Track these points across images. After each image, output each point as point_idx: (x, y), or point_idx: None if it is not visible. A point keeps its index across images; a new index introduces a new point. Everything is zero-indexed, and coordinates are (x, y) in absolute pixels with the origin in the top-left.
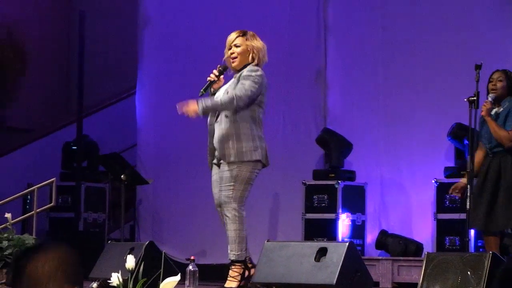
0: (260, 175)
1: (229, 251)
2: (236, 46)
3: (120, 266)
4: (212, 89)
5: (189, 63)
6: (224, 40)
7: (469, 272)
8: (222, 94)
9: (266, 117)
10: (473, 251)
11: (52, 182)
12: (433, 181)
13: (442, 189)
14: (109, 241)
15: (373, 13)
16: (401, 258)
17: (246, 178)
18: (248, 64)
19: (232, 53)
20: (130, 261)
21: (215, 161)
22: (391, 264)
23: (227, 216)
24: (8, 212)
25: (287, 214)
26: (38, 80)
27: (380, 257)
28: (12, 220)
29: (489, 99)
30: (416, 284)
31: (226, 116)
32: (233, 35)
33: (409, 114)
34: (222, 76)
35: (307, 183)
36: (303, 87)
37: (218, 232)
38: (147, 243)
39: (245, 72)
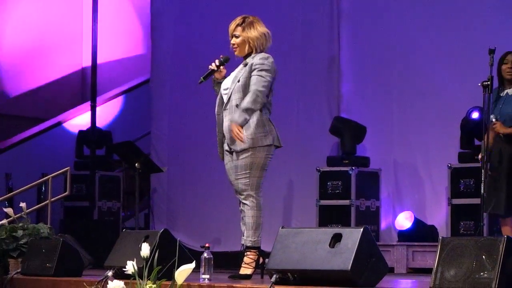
0: (275, 162)
1: (245, 237)
2: (235, 36)
3: (135, 254)
4: (215, 79)
5: (203, 50)
6: None
7: (484, 257)
8: (231, 82)
9: (280, 104)
10: (487, 235)
11: (66, 171)
12: (447, 166)
13: (456, 174)
14: (123, 230)
15: (388, 1)
16: (416, 243)
17: (261, 164)
18: (251, 52)
19: (232, 44)
20: (145, 249)
21: (226, 148)
22: (406, 249)
23: (245, 204)
24: (23, 202)
25: (301, 201)
26: (52, 69)
27: (395, 243)
28: (27, 209)
29: (493, 119)
30: (431, 269)
31: (237, 106)
32: (233, 24)
33: (422, 99)
34: (223, 67)
35: (321, 169)
36: (317, 75)
37: (233, 219)
38: (161, 231)
39: (256, 60)
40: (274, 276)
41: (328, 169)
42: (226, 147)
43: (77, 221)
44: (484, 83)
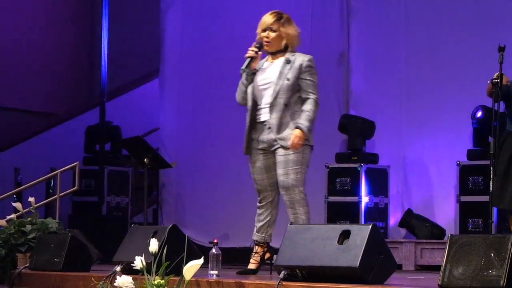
0: None
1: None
2: (272, 30)
3: (143, 249)
4: (251, 69)
5: (212, 45)
6: (247, 23)
7: (492, 254)
8: (276, 78)
9: None
10: (496, 233)
11: (75, 166)
12: (456, 164)
13: (465, 172)
14: (132, 225)
15: None
16: (424, 240)
17: (307, 162)
18: (281, 50)
19: (266, 37)
20: (154, 245)
21: (261, 146)
22: (414, 246)
23: (295, 200)
24: (32, 196)
25: (310, 197)
26: (61, 64)
27: (403, 240)
28: (35, 204)
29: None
30: (439, 266)
31: (286, 105)
32: (269, 18)
33: (432, 96)
34: (260, 52)
35: (330, 166)
36: (326, 71)
37: (241, 215)
38: (170, 226)
39: (305, 62)
40: (282, 272)
41: (336, 165)
42: (260, 146)
43: (85, 216)
44: (494, 80)
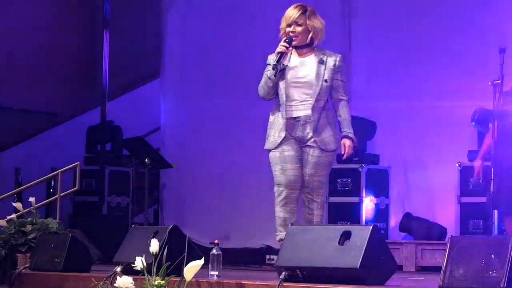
0: None
1: None
2: (297, 24)
3: (144, 250)
4: (281, 64)
5: (213, 44)
6: (249, 22)
7: (493, 255)
8: (315, 78)
9: None
10: (497, 234)
11: (76, 166)
12: (457, 165)
13: (466, 173)
14: (132, 225)
15: None
16: (425, 241)
17: (332, 165)
18: (307, 44)
19: (293, 32)
20: (154, 245)
21: (293, 139)
22: (415, 247)
23: (315, 201)
24: (32, 196)
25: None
26: (62, 64)
27: (403, 241)
28: (36, 204)
29: None
30: (440, 267)
31: (324, 106)
32: (295, 12)
33: (433, 97)
34: (290, 48)
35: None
36: None
37: (242, 216)
38: (171, 227)
39: (338, 61)
40: (283, 273)
41: (338, 166)
42: (293, 139)
43: (86, 216)
44: (495, 82)
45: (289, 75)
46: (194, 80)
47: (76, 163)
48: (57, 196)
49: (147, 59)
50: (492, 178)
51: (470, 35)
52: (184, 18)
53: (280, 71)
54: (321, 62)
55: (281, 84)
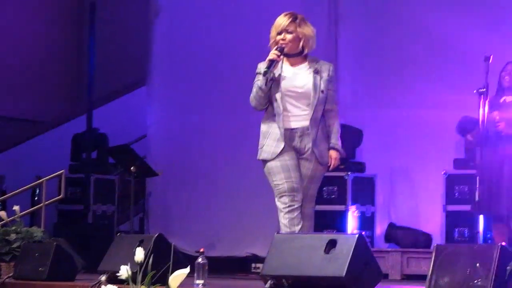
0: None
1: None
2: (288, 32)
3: (129, 258)
4: (272, 74)
5: (200, 53)
6: (236, 31)
7: (478, 264)
8: (313, 90)
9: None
10: (482, 242)
11: (61, 174)
12: (443, 173)
13: (451, 181)
14: (118, 234)
15: (384, 5)
16: (411, 250)
17: None
18: (298, 52)
19: (283, 39)
20: (139, 254)
21: (295, 144)
22: (401, 256)
23: (307, 213)
24: (17, 205)
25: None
26: (47, 71)
27: (389, 249)
28: (20, 212)
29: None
30: (425, 275)
31: (321, 118)
32: (285, 19)
33: (419, 105)
34: (282, 56)
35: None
36: None
37: (228, 224)
38: (156, 235)
39: (331, 71)
40: (269, 282)
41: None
42: (292, 148)
43: (71, 224)
44: (480, 90)
45: (284, 85)
46: (181, 88)
47: (61, 171)
48: (41, 204)
49: (134, 67)
50: (477, 185)
51: (455, 43)
52: (171, 25)
53: (271, 80)
54: (316, 72)
55: (277, 95)
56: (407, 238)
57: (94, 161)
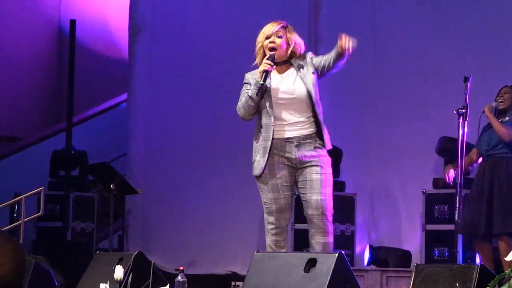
0: (250, 186)
1: None
2: (278, 36)
3: (108, 276)
4: (265, 86)
5: (180, 70)
6: (216, 47)
7: (457, 284)
8: (302, 91)
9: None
10: (461, 262)
11: (40, 191)
12: (422, 192)
13: (431, 200)
14: (97, 251)
15: (363, 25)
16: (390, 269)
17: None
18: (285, 60)
19: (271, 42)
20: (119, 272)
21: (286, 162)
22: (380, 274)
23: (328, 221)
24: None
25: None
26: (27, 87)
27: (369, 268)
28: None
29: (494, 104)
30: None
31: (319, 122)
32: (275, 25)
33: (398, 125)
34: (275, 66)
35: (297, 193)
36: None
37: (207, 242)
38: (136, 253)
39: (310, 57)
40: None
41: None
42: (286, 162)
43: (50, 242)
44: (460, 110)
45: (274, 93)
46: (161, 106)
47: (41, 188)
48: (20, 221)
49: (114, 85)
50: (457, 206)
51: (435, 64)
52: (151, 44)
53: (264, 91)
54: (299, 68)
55: (267, 104)
56: (386, 257)
57: (74, 178)
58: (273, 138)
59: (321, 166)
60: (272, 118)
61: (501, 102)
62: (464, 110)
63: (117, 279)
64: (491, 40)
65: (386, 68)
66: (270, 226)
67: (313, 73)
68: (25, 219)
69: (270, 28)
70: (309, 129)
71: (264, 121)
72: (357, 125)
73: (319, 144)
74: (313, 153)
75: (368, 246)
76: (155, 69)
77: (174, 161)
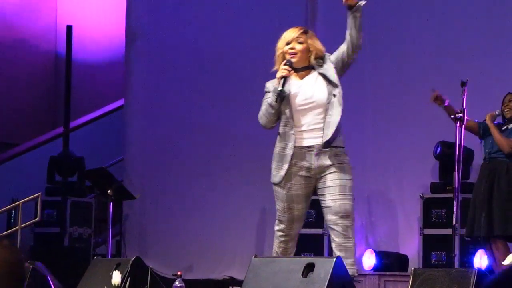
0: (248, 189)
1: (349, 265)
2: (299, 42)
3: (106, 282)
4: (284, 92)
5: (177, 76)
6: (215, 54)
7: None
8: (323, 96)
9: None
10: (459, 266)
11: (37, 196)
12: (420, 196)
13: (428, 204)
14: (95, 257)
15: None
16: (388, 273)
17: None
18: (306, 66)
19: (292, 48)
20: (116, 277)
21: (304, 173)
22: (378, 279)
23: (350, 226)
24: None
25: (272, 229)
26: (24, 93)
27: (366, 272)
28: None
29: (496, 112)
30: None
31: (339, 128)
32: (295, 30)
33: (396, 130)
34: (292, 71)
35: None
36: None
37: (205, 247)
38: (133, 258)
39: (328, 56)
40: None
41: None
42: (303, 173)
43: (47, 247)
44: (457, 115)
45: (295, 100)
46: (159, 112)
47: (38, 194)
48: (18, 227)
49: (112, 89)
50: (455, 210)
51: (433, 68)
52: (148, 50)
53: (283, 97)
54: (320, 66)
55: (287, 111)
56: (384, 262)
57: (71, 184)
58: (294, 145)
59: (341, 172)
60: (292, 126)
61: (507, 110)
62: (461, 115)
63: (114, 284)
64: (489, 44)
65: (384, 72)
66: (280, 233)
67: (334, 67)
68: (23, 225)
69: (290, 34)
70: (328, 136)
71: (283, 129)
72: (354, 129)
73: (339, 150)
74: (333, 159)
75: (371, 251)
76: (152, 75)
77: (171, 166)
